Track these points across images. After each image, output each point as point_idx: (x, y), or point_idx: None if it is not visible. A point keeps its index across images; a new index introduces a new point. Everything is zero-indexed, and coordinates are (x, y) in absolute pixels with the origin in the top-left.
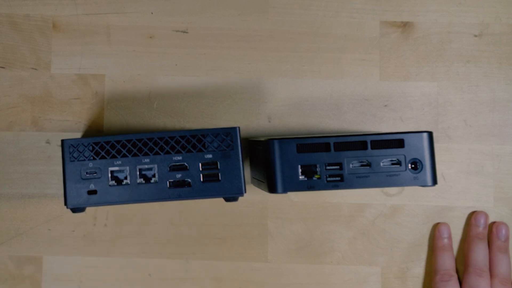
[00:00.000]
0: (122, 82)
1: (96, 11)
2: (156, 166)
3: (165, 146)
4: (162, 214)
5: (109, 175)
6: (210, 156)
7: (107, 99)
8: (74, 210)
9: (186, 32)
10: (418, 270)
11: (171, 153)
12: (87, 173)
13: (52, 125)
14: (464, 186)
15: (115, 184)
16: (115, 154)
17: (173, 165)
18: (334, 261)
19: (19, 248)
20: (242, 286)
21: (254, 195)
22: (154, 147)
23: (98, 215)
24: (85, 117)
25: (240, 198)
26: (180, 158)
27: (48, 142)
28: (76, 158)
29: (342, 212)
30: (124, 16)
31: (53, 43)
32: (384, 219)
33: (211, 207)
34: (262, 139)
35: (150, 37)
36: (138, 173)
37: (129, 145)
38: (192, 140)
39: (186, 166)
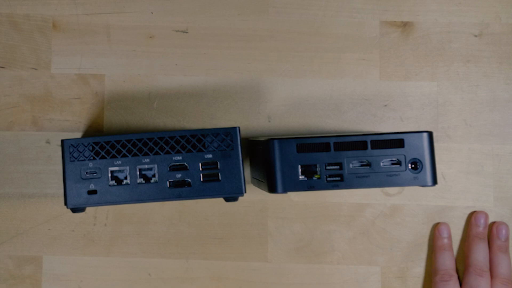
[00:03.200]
0: (122, 82)
1: (96, 11)
2: (156, 166)
3: (165, 146)
4: (162, 214)
5: (109, 175)
6: (210, 156)
7: (107, 99)
8: (74, 210)
9: (186, 32)
10: (418, 270)
11: (171, 153)
12: (87, 173)
13: (52, 125)
14: (464, 186)
15: (115, 184)
16: (115, 154)
17: (173, 165)
18: (334, 261)
19: (19, 248)
20: (242, 286)
21: (254, 195)
22: (154, 147)
23: (98, 215)
24: (85, 117)
25: (240, 198)
26: (180, 158)
27: (48, 142)
28: (76, 158)
29: (342, 212)
30: (124, 16)
31: (53, 43)
32: (384, 219)
33: (211, 207)
34: (262, 139)
35: (150, 37)
36: (138, 173)
37: (129, 145)
38: (192, 140)
39: (186, 166)
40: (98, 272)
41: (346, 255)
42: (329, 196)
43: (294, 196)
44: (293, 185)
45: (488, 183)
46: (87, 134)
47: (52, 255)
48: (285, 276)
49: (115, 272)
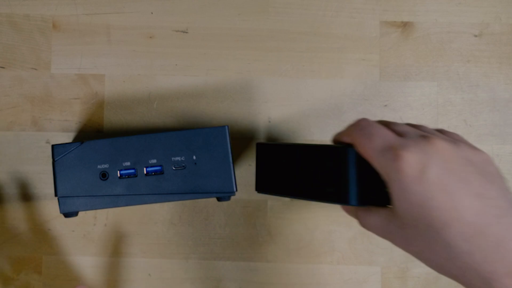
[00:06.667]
0: (122, 82)
1: (96, 11)
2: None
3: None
4: (162, 214)
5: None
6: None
7: (107, 99)
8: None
9: (186, 32)
10: (418, 270)
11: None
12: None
13: (52, 125)
14: None
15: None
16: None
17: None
18: (334, 261)
19: (19, 248)
20: (242, 286)
21: (254, 195)
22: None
23: (98, 215)
24: (85, 117)
25: (240, 198)
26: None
27: (48, 142)
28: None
29: (342, 212)
30: (124, 16)
31: (53, 43)
32: None
33: (211, 207)
34: (332, 145)
35: (150, 37)
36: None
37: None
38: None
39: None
40: (98, 272)
41: (346, 255)
42: None
43: None
44: (367, 199)
45: None
46: (87, 134)
47: (52, 255)
48: (285, 276)
49: (115, 272)
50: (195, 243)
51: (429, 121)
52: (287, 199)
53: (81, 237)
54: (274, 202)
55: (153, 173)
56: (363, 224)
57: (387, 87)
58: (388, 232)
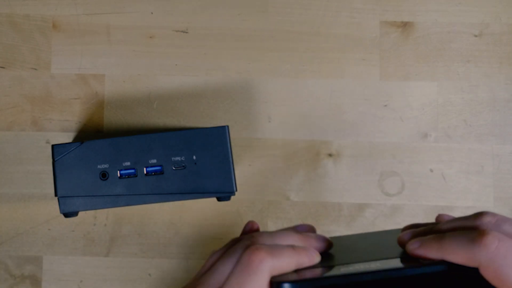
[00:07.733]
0: (122, 82)
1: (96, 11)
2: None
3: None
4: (162, 214)
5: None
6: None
7: (107, 99)
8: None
9: (186, 32)
10: None
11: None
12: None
13: (52, 125)
14: (464, 186)
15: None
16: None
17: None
18: None
19: (19, 248)
20: None
21: (254, 195)
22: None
23: (98, 215)
24: (85, 117)
25: (240, 198)
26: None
27: (48, 142)
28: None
29: (342, 212)
30: (124, 16)
31: (53, 43)
32: (384, 219)
33: (211, 207)
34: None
35: (150, 37)
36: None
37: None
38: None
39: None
40: (98, 272)
41: None
42: (329, 196)
43: (294, 196)
44: None
45: (488, 183)
46: (87, 134)
47: (52, 255)
48: None
49: (115, 272)
50: (195, 243)
51: (429, 121)
52: (287, 200)
53: (81, 237)
54: (274, 201)
55: (153, 173)
56: None
57: (387, 87)
58: None
